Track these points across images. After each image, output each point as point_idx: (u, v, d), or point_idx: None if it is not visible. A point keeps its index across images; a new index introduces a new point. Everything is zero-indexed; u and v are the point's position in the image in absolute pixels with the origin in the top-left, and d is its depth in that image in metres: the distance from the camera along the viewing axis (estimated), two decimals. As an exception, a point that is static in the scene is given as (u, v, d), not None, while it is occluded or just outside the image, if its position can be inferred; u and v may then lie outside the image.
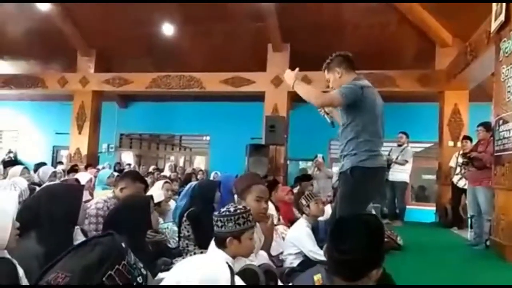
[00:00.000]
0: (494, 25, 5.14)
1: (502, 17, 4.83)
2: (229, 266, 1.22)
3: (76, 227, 2.82)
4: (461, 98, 7.95)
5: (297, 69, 2.84)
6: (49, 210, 1.84)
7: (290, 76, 2.82)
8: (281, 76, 8.77)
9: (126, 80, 9.73)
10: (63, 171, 6.78)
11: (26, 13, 9.19)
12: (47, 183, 3.87)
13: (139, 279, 0.97)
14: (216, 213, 2.04)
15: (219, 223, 1.99)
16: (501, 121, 4.79)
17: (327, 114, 2.97)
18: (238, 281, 1.36)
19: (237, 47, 9.06)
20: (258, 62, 8.88)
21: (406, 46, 8.55)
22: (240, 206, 2.08)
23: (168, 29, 9.12)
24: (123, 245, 1.00)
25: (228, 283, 1.17)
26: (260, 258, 2.11)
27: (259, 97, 8.97)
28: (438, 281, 3.52)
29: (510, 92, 4.59)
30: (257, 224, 2.49)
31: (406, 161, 7.32)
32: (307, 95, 2.73)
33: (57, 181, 5.08)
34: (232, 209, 2.01)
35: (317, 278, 1.42)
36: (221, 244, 1.97)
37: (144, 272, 1.01)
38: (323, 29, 8.16)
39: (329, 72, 2.84)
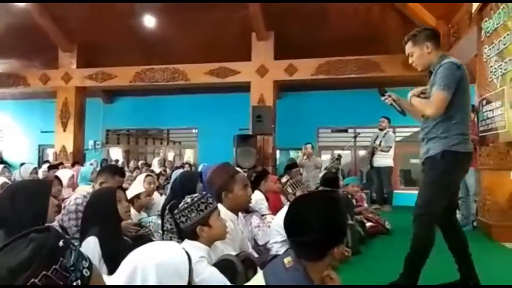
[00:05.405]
0: (476, 5, 5.13)
1: (483, -3, 4.84)
2: (186, 252, 1.20)
3: (55, 223, 2.77)
4: (447, 81, 7.92)
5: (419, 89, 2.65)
6: (12, 208, 1.77)
7: (410, 94, 2.65)
8: (266, 65, 8.79)
9: (109, 74, 9.59)
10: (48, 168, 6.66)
11: (3, 10, 8.96)
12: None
13: (77, 283, 0.88)
14: (175, 211, 2.01)
15: (183, 218, 1.98)
16: (484, 102, 4.80)
17: (395, 101, 2.77)
18: (196, 267, 1.36)
19: (221, 37, 8.91)
20: (243, 51, 8.78)
21: (391, 30, 8.48)
22: (196, 194, 2.07)
23: (150, 21, 8.98)
24: (61, 243, 0.89)
25: (186, 268, 1.17)
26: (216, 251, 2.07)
27: (245, 87, 8.89)
28: (426, 262, 3.51)
29: (492, 72, 4.59)
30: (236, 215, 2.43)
31: (390, 147, 7.37)
32: (421, 108, 2.54)
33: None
34: (189, 200, 2.01)
35: (287, 260, 1.46)
36: (193, 237, 1.94)
37: (87, 274, 0.91)
38: (307, 16, 8.03)
39: (414, 46, 2.58)
